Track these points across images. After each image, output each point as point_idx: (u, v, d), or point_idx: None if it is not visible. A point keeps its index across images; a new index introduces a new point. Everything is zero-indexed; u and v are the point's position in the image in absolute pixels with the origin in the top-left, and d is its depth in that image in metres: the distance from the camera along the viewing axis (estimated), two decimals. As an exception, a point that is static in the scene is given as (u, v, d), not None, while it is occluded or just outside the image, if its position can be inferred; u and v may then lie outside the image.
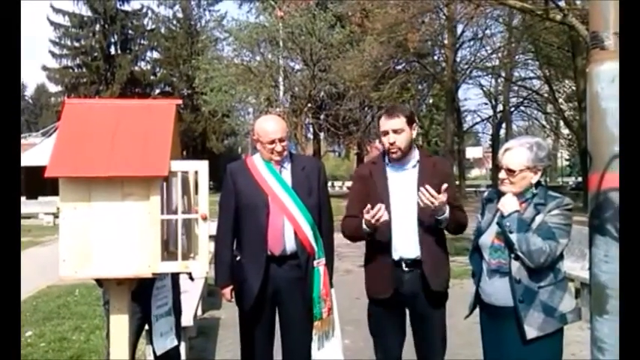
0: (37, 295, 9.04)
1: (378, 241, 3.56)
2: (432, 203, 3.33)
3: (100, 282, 3.24)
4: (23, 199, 26.63)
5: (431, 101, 46.01)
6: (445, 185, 3.35)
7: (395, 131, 3.54)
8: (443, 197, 3.34)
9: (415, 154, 3.65)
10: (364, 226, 3.47)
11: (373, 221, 3.38)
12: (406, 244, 3.52)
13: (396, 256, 3.53)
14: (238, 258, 3.81)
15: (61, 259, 2.45)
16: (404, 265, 3.52)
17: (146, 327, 3.82)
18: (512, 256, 3.06)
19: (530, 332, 3.01)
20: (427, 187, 3.34)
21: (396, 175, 3.61)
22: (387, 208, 3.45)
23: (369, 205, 3.39)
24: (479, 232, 3.28)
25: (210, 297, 8.01)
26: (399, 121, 3.56)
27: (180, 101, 2.81)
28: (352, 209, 3.70)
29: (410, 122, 3.59)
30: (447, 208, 3.43)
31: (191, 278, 3.92)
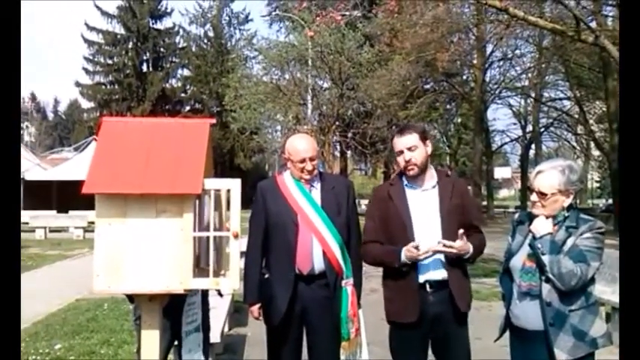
0: (67, 308, 9.14)
1: (402, 265, 3.49)
2: (451, 252, 3.36)
3: (131, 298, 3.29)
4: (54, 212, 27.06)
5: (459, 121, 45.86)
6: (461, 231, 3.35)
7: (409, 148, 3.51)
8: (459, 244, 3.34)
9: (433, 174, 3.62)
10: (404, 258, 3.41)
11: (421, 257, 3.38)
12: (431, 266, 3.46)
13: (421, 279, 3.47)
14: (267, 276, 3.82)
15: (95, 274, 2.50)
16: (428, 287, 3.47)
17: (175, 342, 3.86)
18: (543, 278, 3.03)
19: (561, 356, 2.98)
20: (443, 242, 3.35)
21: (417, 196, 3.56)
22: (410, 230, 3.44)
23: (415, 242, 3.37)
24: (509, 255, 3.25)
25: (236, 313, 8.03)
26: (412, 138, 3.53)
27: (214, 120, 2.85)
28: (374, 234, 3.63)
29: (423, 138, 3.56)
30: (471, 248, 3.41)
31: (220, 294, 3.95)
